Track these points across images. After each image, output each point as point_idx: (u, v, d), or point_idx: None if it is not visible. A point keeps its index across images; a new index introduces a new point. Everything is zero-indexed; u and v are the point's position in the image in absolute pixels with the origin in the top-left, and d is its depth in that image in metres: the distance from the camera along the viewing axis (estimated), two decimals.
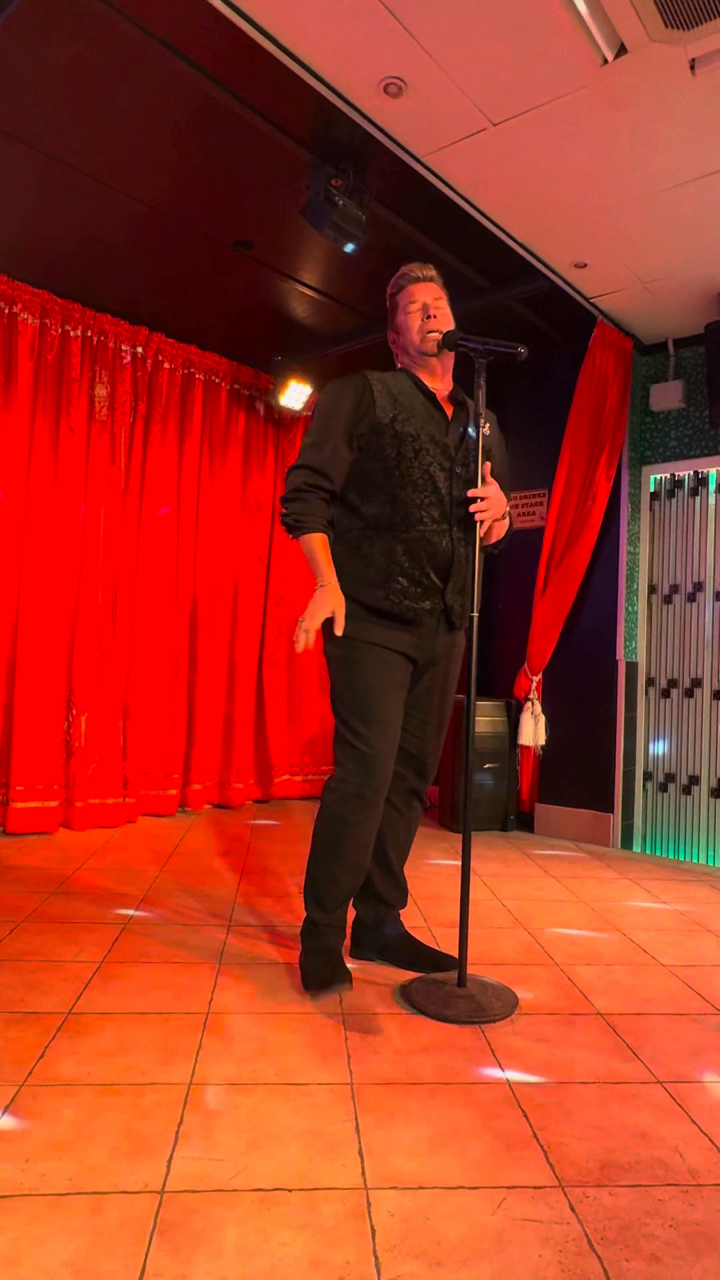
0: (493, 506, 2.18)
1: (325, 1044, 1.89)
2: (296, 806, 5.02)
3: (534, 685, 4.47)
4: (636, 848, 4.38)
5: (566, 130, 2.78)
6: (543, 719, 4.45)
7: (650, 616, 4.47)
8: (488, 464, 2.21)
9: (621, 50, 2.41)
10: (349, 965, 2.30)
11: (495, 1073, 1.79)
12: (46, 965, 2.29)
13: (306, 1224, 1.28)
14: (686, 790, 4.28)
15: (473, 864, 3.62)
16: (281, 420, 5.26)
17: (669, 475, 4.44)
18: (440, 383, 2.30)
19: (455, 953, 2.32)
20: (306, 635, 2.06)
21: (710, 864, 4.12)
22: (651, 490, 4.50)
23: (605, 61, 2.44)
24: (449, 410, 2.26)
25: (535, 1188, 1.40)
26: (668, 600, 4.42)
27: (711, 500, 4.29)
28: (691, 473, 4.36)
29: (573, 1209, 1.34)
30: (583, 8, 2.25)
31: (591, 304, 4.06)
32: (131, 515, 4.45)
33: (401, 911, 2.49)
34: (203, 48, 2.49)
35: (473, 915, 2.80)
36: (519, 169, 3.02)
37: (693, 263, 3.64)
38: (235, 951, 2.46)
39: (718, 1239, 1.29)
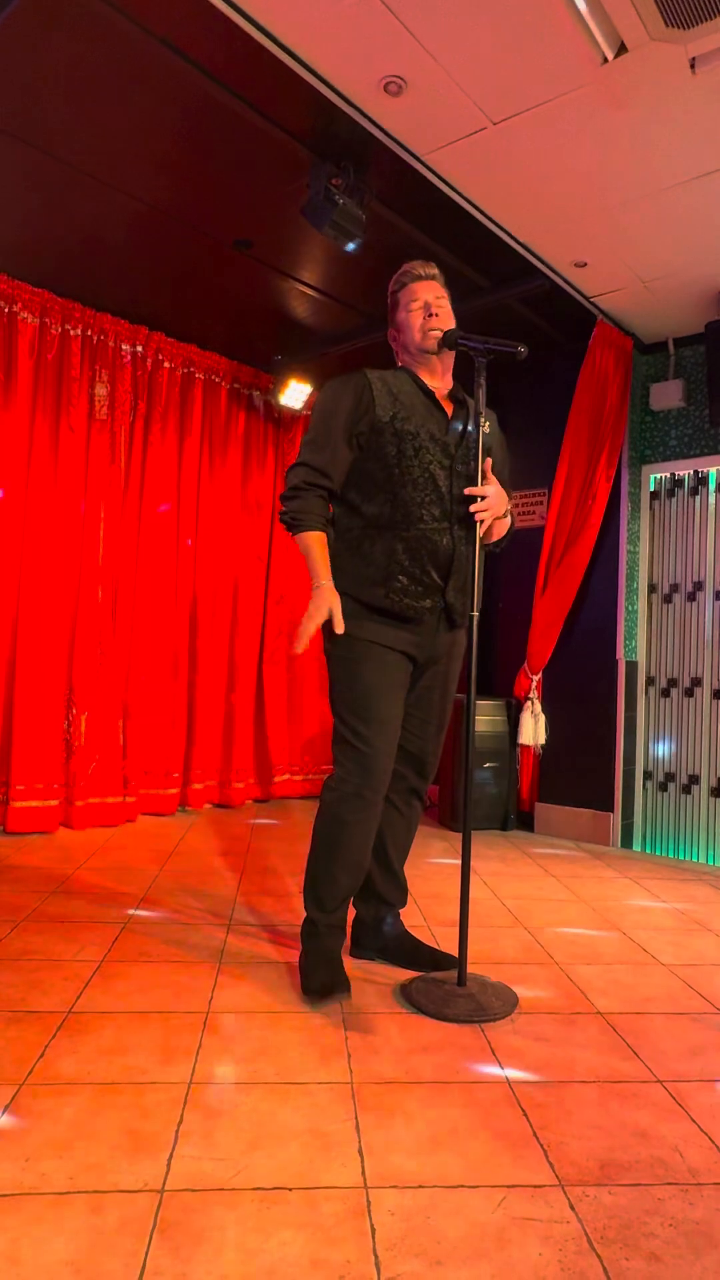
0: (493, 505, 2.18)
1: (325, 1043, 1.89)
2: (297, 806, 5.02)
3: (534, 684, 4.47)
4: (636, 847, 4.38)
5: (567, 129, 2.78)
6: (543, 718, 4.45)
7: (650, 616, 4.47)
8: (488, 461, 2.21)
9: (622, 49, 2.41)
10: (350, 963, 2.30)
11: (495, 1072, 1.79)
12: (47, 964, 2.29)
13: (307, 1223, 1.28)
14: (686, 789, 4.28)
15: (473, 863, 3.62)
16: (281, 419, 5.26)
17: (669, 474, 4.44)
18: (440, 381, 2.30)
19: (455, 952, 2.32)
20: (305, 637, 2.08)
21: (710, 863, 4.12)
22: (651, 489, 4.50)
23: (605, 60, 2.44)
24: (449, 408, 2.26)
25: (535, 1187, 1.40)
26: (668, 599, 4.42)
27: (711, 499, 4.29)
28: (691, 472, 4.36)
29: (573, 1208, 1.34)
30: (583, 7, 2.25)
31: (591, 303, 4.06)
32: (131, 514, 4.45)
33: (401, 911, 2.49)
34: (203, 47, 2.49)
35: (473, 914, 2.80)
36: (519, 168, 3.02)
37: (693, 262, 3.63)
38: (235, 951, 2.46)
39: (717, 1238, 1.29)
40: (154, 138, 2.93)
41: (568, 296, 3.96)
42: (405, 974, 2.31)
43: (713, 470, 4.29)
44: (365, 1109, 1.62)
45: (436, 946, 2.48)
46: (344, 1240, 1.24)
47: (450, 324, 2.27)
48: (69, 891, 3.00)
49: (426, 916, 2.87)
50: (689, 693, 4.30)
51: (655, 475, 4.49)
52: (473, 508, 2.15)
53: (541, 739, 4.44)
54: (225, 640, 4.92)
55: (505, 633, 4.81)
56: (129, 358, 4.42)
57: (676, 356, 4.42)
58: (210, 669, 4.79)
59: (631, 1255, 1.24)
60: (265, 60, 2.50)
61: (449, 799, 4.57)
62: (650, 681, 4.45)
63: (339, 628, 2.12)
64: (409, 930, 2.49)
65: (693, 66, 2.46)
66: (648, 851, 4.35)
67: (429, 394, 2.24)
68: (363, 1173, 1.41)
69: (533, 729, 4.42)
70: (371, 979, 2.28)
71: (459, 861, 3.48)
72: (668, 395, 4.35)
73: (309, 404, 4.99)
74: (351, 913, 2.36)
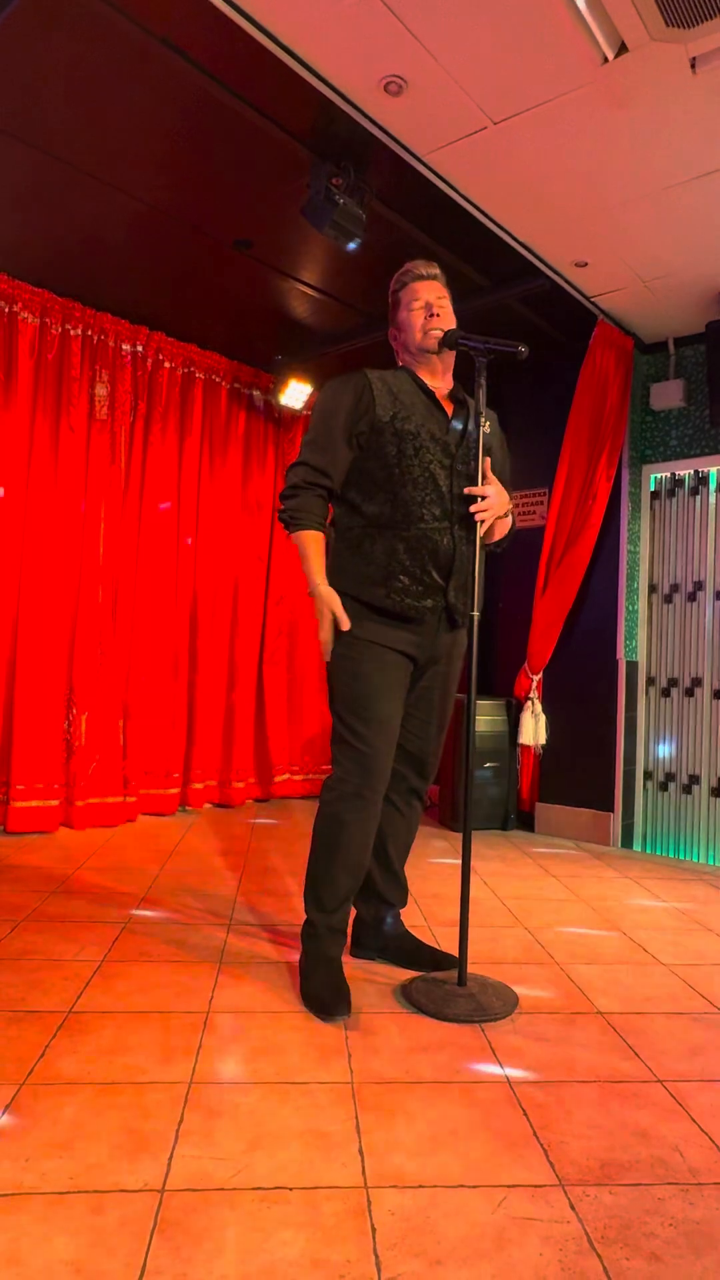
0: (494, 505, 2.18)
1: (325, 1043, 1.89)
2: (297, 806, 5.02)
3: (534, 684, 4.47)
4: (637, 847, 4.38)
5: (567, 129, 2.78)
6: (543, 718, 4.45)
7: (650, 616, 4.47)
8: (487, 460, 2.22)
9: (622, 49, 2.41)
10: (351, 962, 2.30)
11: (495, 1071, 1.79)
12: (47, 964, 2.29)
13: (307, 1223, 1.28)
14: (687, 789, 4.28)
15: (473, 863, 3.63)
16: (282, 419, 5.26)
17: (669, 474, 4.43)
18: (440, 381, 2.30)
19: (455, 951, 2.32)
20: (326, 646, 2.18)
21: (710, 863, 4.12)
22: (652, 489, 4.50)
23: (606, 60, 2.44)
24: (449, 408, 2.26)
25: (535, 1186, 1.40)
26: (668, 599, 4.42)
27: (712, 499, 4.29)
28: (692, 472, 4.36)
29: (573, 1208, 1.34)
30: (583, 6, 2.25)
31: (592, 303, 4.06)
32: (132, 514, 4.45)
33: (402, 910, 2.49)
34: (203, 46, 2.49)
35: (473, 914, 2.81)
36: (519, 168, 3.01)
37: (693, 261, 3.63)
38: (236, 950, 2.46)
39: (718, 1238, 1.29)
40: (154, 137, 2.93)
41: (568, 296, 3.96)
42: (406, 974, 2.31)
43: (713, 470, 4.29)
44: (366, 1109, 1.62)
45: (437, 946, 2.48)
46: (344, 1240, 1.24)
47: (451, 324, 2.27)
48: (69, 891, 3.00)
49: (427, 916, 2.87)
50: (689, 693, 4.30)
51: (656, 475, 4.48)
52: (473, 508, 2.15)
53: (542, 739, 4.44)
54: (225, 640, 4.92)
55: (505, 633, 4.81)
56: (129, 357, 4.42)
57: (677, 356, 4.42)
58: (210, 669, 4.79)
59: (632, 1255, 1.24)
60: (265, 60, 2.50)
61: (449, 799, 4.57)
62: (651, 681, 4.45)
63: (345, 624, 2.13)
64: (409, 930, 2.49)
65: (693, 66, 2.46)
66: (648, 851, 4.34)
67: (429, 394, 2.24)
68: (363, 1172, 1.41)
69: (533, 729, 4.42)
70: (372, 979, 2.28)
71: (459, 861, 3.48)
72: (668, 395, 4.35)
73: (309, 404, 4.99)
74: (352, 913, 2.36)
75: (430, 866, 3.61)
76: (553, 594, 4.40)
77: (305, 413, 5.13)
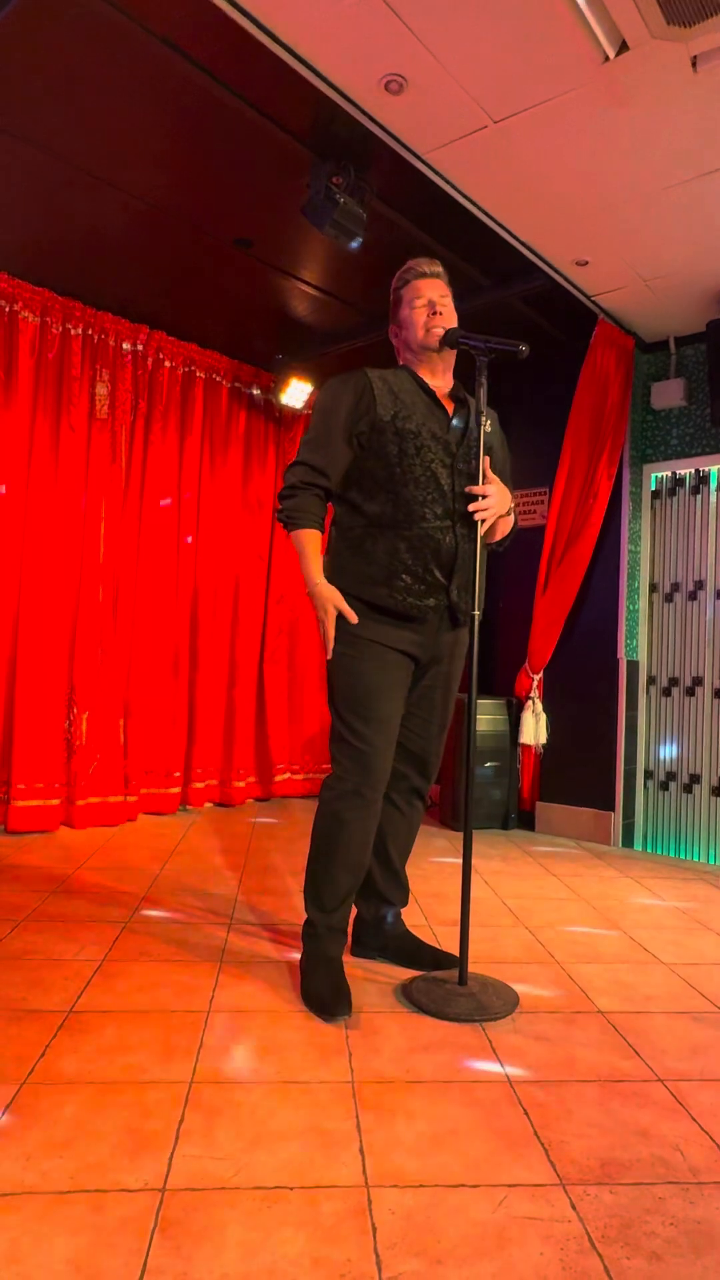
0: (495, 504, 2.18)
1: (326, 1042, 1.89)
2: (297, 805, 5.02)
3: (535, 684, 4.47)
4: (638, 846, 4.38)
5: (567, 128, 2.77)
6: (544, 717, 4.45)
7: (651, 615, 4.47)
8: (487, 459, 2.21)
9: (623, 47, 2.41)
10: (351, 961, 2.30)
11: (496, 1071, 1.79)
12: (47, 963, 2.29)
13: (307, 1222, 1.28)
14: (687, 789, 4.28)
15: (474, 862, 3.63)
16: (282, 418, 5.26)
17: (670, 473, 4.43)
18: (441, 380, 2.29)
19: (456, 951, 2.32)
20: (329, 643, 2.17)
21: (711, 862, 4.12)
22: (653, 488, 4.50)
23: (606, 59, 2.44)
24: (449, 407, 2.26)
25: (536, 1186, 1.40)
26: (669, 599, 4.41)
27: (713, 498, 4.29)
28: (693, 471, 4.35)
29: (574, 1207, 1.34)
30: (584, 4, 2.24)
31: (593, 302, 4.06)
32: (132, 513, 4.45)
33: (403, 910, 2.49)
34: (203, 45, 2.49)
35: (474, 913, 2.81)
36: (520, 166, 3.01)
37: (694, 260, 3.63)
38: (236, 950, 2.46)
39: (718, 1237, 1.29)
40: (154, 136, 2.93)
41: (569, 295, 3.96)
42: (406, 973, 2.31)
43: (714, 469, 4.29)
44: (366, 1108, 1.62)
45: (438, 945, 2.48)
46: (345, 1239, 1.24)
47: (453, 323, 2.27)
48: (70, 891, 3.00)
49: (428, 915, 2.87)
50: (690, 692, 4.30)
51: (656, 474, 4.48)
52: (472, 506, 2.15)
53: (543, 738, 4.44)
54: (226, 639, 4.92)
55: (506, 632, 4.81)
56: (129, 357, 4.42)
57: (678, 355, 4.42)
58: (211, 668, 4.79)
59: (633, 1254, 1.24)
60: (266, 59, 2.49)
61: (450, 798, 4.57)
62: (651, 681, 4.45)
63: (351, 617, 2.13)
64: (410, 929, 2.49)
65: (694, 65, 2.46)
66: (649, 851, 4.34)
67: (430, 392, 2.24)
68: (364, 1171, 1.41)
69: (534, 728, 4.42)
70: (373, 978, 2.28)
71: (460, 860, 3.48)
72: (669, 394, 4.34)
73: (310, 403, 4.99)
74: (353, 912, 2.36)
75: (431, 866, 3.61)
76: (553, 593, 4.40)
77: (306, 412, 5.13)
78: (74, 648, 4.17)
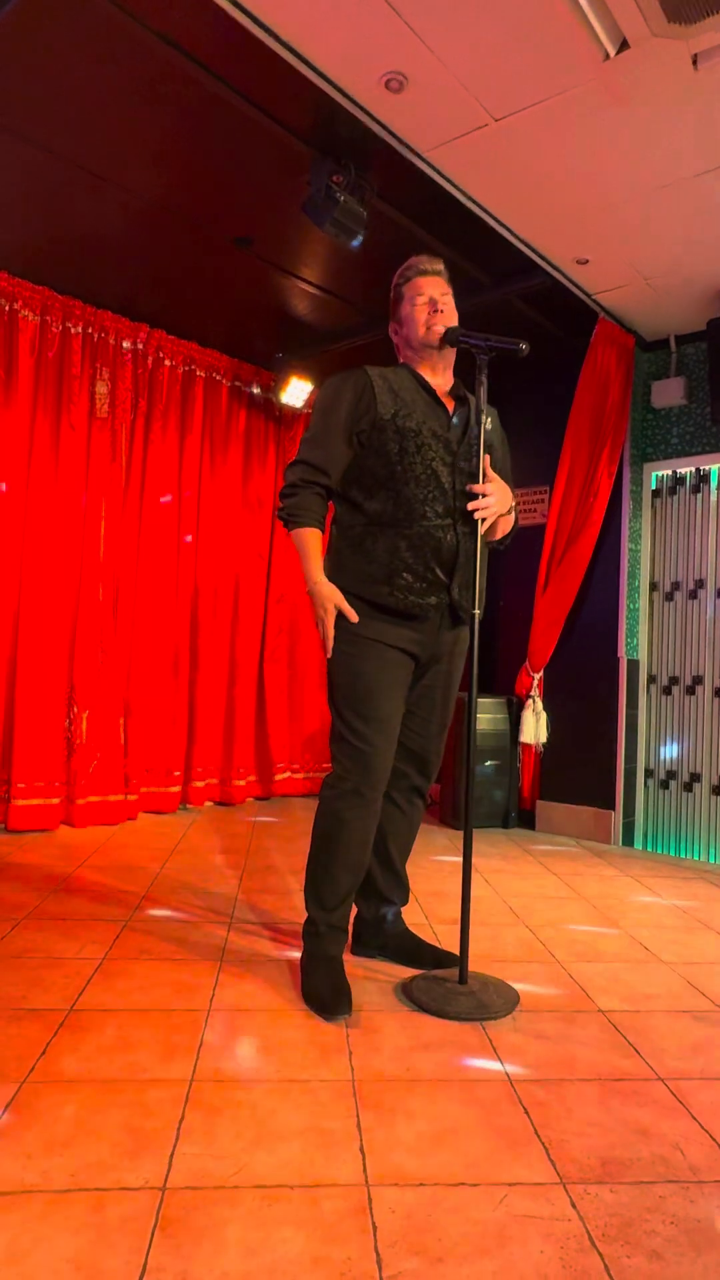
0: (495, 502, 2.18)
1: (326, 1041, 1.89)
2: (298, 804, 5.02)
3: (535, 682, 4.47)
4: (638, 845, 4.38)
5: (568, 126, 2.77)
6: (544, 716, 4.45)
7: (651, 614, 4.47)
8: (487, 457, 2.21)
9: (624, 45, 2.40)
10: (352, 960, 2.30)
11: (496, 1069, 1.79)
12: (48, 962, 2.29)
13: (308, 1220, 1.28)
14: (688, 787, 4.28)
15: (474, 861, 3.62)
16: (283, 417, 5.25)
17: (670, 472, 4.43)
18: (441, 378, 2.29)
19: (457, 949, 2.32)
20: (328, 641, 2.17)
21: (711, 861, 4.12)
22: (653, 487, 4.50)
23: (607, 57, 2.43)
24: (449, 405, 2.26)
25: (536, 1184, 1.40)
26: (669, 597, 4.41)
27: (713, 497, 4.28)
28: (693, 469, 4.35)
29: (574, 1205, 1.34)
30: (585, 2, 2.24)
31: (593, 300, 4.05)
32: (132, 512, 4.45)
33: (403, 909, 2.49)
34: (204, 43, 2.48)
35: (474, 912, 2.81)
36: (520, 165, 3.01)
37: (695, 259, 3.63)
38: (237, 948, 2.46)
39: (718, 1236, 1.29)
40: (154, 135, 2.93)
41: (569, 294, 3.95)
42: (407, 972, 2.31)
43: (714, 468, 4.28)
44: (366, 1107, 1.62)
45: (438, 944, 2.48)
46: (345, 1238, 1.24)
47: (454, 321, 2.26)
48: (70, 889, 3.00)
49: (428, 914, 2.87)
50: (690, 691, 4.30)
51: (657, 473, 4.48)
52: (472, 505, 2.15)
53: (543, 737, 4.44)
54: (226, 638, 4.92)
55: (506, 630, 4.81)
56: (130, 355, 4.42)
57: (678, 354, 4.41)
58: (211, 667, 4.79)
59: (633, 1253, 1.24)
60: (266, 57, 2.49)
61: (450, 797, 4.57)
62: (652, 679, 4.45)
63: (352, 616, 2.13)
64: (410, 928, 2.49)
65: (695, 63, 2.45)
66: (649, 849, 4.34)
67: (430, 390, 2.23)
68: (364, 1170, 1.41)
69: (534, 727, 4.42)
70: (373, 977, 2.28)
71: (460, 859, 3.48)
72: (669, 393, 4.34)
73: (310, 401, 4.98)
74: (354, 910, 2.36)
75: (431, 864, 3.61)
76: (554, 592, 4.39)
77: (306, 410, 5.13)
78: (74, 647, 4.17)
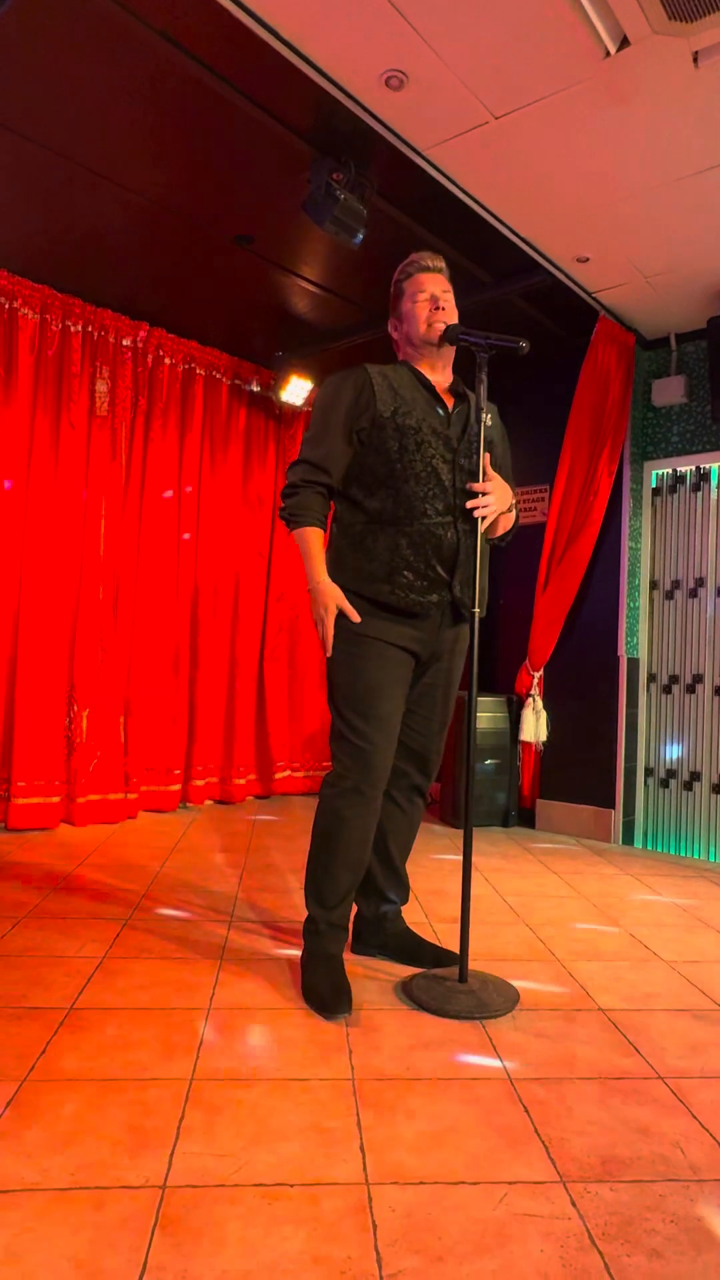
0: (495, 500, 2.17)
1: (326, 1039, 1.89)
2: (298, 802, 5.02)
3: (535, 681, 4.47)
4: (638, 843, 4.38)
5: (569, 124, 2.76)
6: (544, 715, 4.45)
7: (652, 612, 4.47)
8: (487, 456, 2.21)
9: (624, 43, 2.40)
10: (352, 959, 2.31)
11: (496, 1068, 1.79)
12: (48, 961, 2.29)
13: (308, 1219, 1.28)
14: (688, 786, 4.28)
15: (474, 859, 3.63)
16: (283, 416, 5.25)
17: (671, 470, 4.43)
18: (440, 375, 2.29)
19: (457, 948, 2.32)
20: (327, 641, 2.16)
21: (711, 860, 4.12)
22: (653, 486, 4.49)
23: (608, 54, 2.43)
24: (449, 402, 2.26)
25: (536, 1183, 1.40)
26: (669, 596, 4.41)
27: (713, 496, 4.28)
28: (693, 468, 4.35)
29: (574, 1204, 1.34)
30: (585, 0, 2.24)
31: (594, 299, 4.05)
32: (132, 511, 4.45)
33: (403, 907, 2.49)
34: (203, 41, 2.48)
35: (474, 911, 2.81)
36: (521, 162, 3.00)
37: (696, 257, 3.62)
38: (237, 947, 2.46)
39: (718, 1235, 1.29)
40: (154, 132, 2.92)
41: (569, 292, 3.95)
42: (407, 970, 2.31)
43: (714, 466, 4.28)
44: (366, 1105, 1.62)
45: (438, 943, 2.48)
46: (345, 1236, 1.24)
47: (454, 319, 2.26)
48: (70, 888, 3.00)
49: (428, 913, 2.87)
50: (690, 689, 4.30)
51: (657, 471, 4.48)
52: (471, 504, 2.15)
53: (543, 735, 4.44)
54: (226, 637, 4.92)
55: (507, 629, 4.80)
56: (129, 354, 4.41)
57: (679, 352, 4.41)
58: (211, 665, 4.79)
59: (633, 1251, 1.24)
60: (266, 54, 2.49)
61: (450, 796, 4.57)
62: (652, 678, 4.45)
63: (354, 617, 2.12)
64: (410, 927, 2.49)
65: (695, 61, 2.45)
66: (649, 848, 4.34)
67: (429, 388, 2.23)
68: (364, 1169, 1.41)
69: (534, 725, 4.42)
70: (373, 975, 2.28)
71: (460, 858, 3.48)
72: (670, 391, 4.34)
73: (310, 400, 4.98)
74: (354, 909, 2.36)
75: (431, 863, 3.61)
76: (554, 590, 4.39)
77: (306, 409, 5.13)
78: (74, 645, 4.17)
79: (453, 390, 2.31)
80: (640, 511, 4.47)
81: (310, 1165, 1.42)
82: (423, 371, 2.26)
